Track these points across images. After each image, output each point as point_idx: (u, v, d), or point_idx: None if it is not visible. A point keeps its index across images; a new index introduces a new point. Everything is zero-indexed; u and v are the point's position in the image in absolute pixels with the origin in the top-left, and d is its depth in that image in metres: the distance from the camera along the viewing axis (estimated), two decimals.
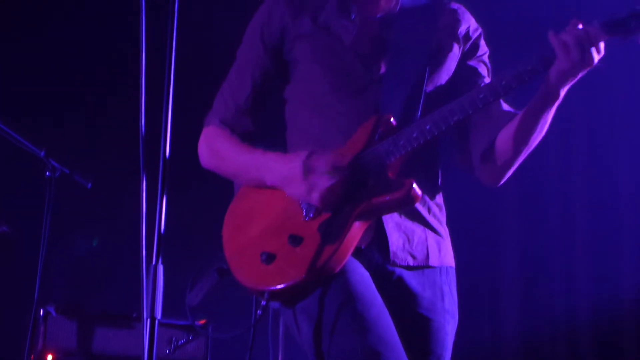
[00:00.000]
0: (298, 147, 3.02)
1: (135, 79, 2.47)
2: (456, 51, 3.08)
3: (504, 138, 2.96)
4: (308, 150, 2.85)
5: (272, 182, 2.92)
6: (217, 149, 3.06)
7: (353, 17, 3.03)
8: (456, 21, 3.13)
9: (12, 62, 6.07)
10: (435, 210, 3.07)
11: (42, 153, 4.85)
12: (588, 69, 2.71)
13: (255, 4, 3.11)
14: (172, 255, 2.59)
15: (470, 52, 3.12)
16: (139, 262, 2.38)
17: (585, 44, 2.66)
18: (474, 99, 2.79)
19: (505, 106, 3.01)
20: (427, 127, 2.82)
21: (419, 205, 2.95)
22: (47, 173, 4.85)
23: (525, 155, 2.98)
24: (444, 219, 3.10)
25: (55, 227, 4.85)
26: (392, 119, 2.88)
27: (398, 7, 3.08)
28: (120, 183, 4.72)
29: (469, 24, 3.15)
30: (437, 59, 3.04)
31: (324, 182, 2.78)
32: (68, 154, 5.09)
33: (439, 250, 3.04)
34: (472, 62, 3.11)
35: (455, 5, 3.17)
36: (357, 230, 2.82)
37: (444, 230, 3.09)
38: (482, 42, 3.16)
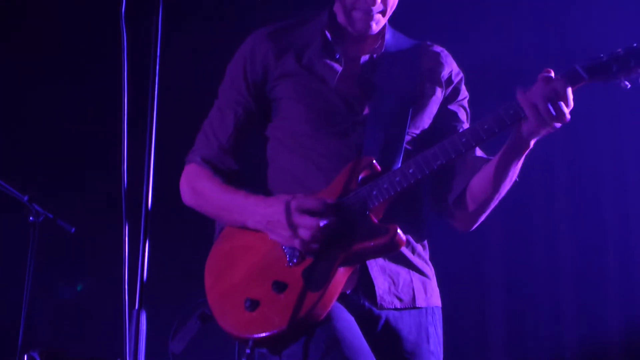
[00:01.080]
0: (279, 187, 3.01)
1: (118, 123, 2.47)
2: (438, 95, 3.09)
3: (476, 184, 2.97)
4: (290, 194, 2.83)
5: (255, 226, 2.89)
6: (198, 188, 3.04)
7: (337, 56, 3.03)
8: (439, 65, 3.14)
9: None
10: (420, 250, 3.06)
11: (26, 198, 4.84)
12: (560, 124, 2.69)
13: (237, 42, 3.12)
14: (155, 301, 2.58)
15: (452, 96, 3.13)
16: (121, 308, 2.37)
17: (555, 102, 2.65)
18: (456, 143, 2.79)
19: (479, 152, 3.01)
20: (411, 170, 2.82)
21: (403, 248, 2.91)
22: (31, 218, 4.84)
23: (497, 201, 2.98)
24: (427, 257, 3.09)
25: (39, 271, 4.83)
26: (374, 162, 2.87)
27: (382, 49, 3.09)
28: (104, 227, 4.71)
29: (452, 68, 3.17)
30: (420, 103, 3.05)
31: (306, 227, 2.75)
32: (51, 199, 5.08)
33: (425, 292, 3.03)
34: (452, 107, 3.12)
35: (438, 49, 3.20)
36: (341, 276, 2.79)
37: (430, 269, 3.08)
38: (463, 87, 3.18)
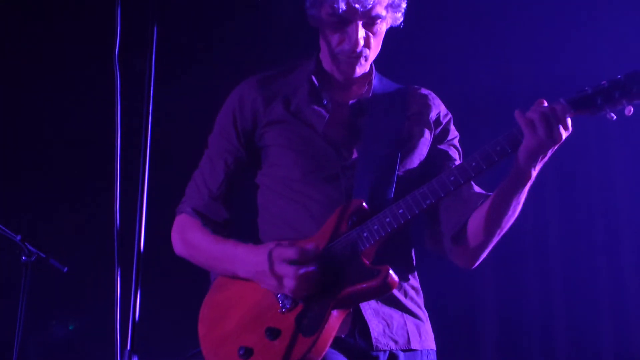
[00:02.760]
0: (270, 233, 3.04)
1: (112, 163, 2.48)
2: (427, 136, 3.12)
3: (476, 221, 2.96)
4: (277, 242, 2.87)
5: (245, 275, 2.92)
6: (189, 238, 3.07)
7: (325, 102, 3.07)
8: (427, 107, 3.18)
9: None
10: (412, 293, 3.07)
11: (19, 237, 4.84)
12: (556, 146, 2.71)
13: (226, 90, 3.14)
14: (146, 345, 2.58)
15: (441, 136, 3.16)
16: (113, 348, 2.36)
17: (552, 120, 2.67)
18: (444, 181, 2.80)
19: (476, 188, 3.02)
20: (400, 211, 2.83)
21: (395, 290, 2.93)
22: (24, 257, 4.83)
23: (499, 237, 2.97)
24: (421, 302, 3.10)
25: (31, 310, 4.81)
26: (364, 204, 2.89)
27: (370, 93, 3.13)
28: (96, 267, 4.71)
29: (439, 109, 3.20)
30: (409, 145, 3.07)
31: (289, 276, 2.77)
32: (44, 239, 5.08)
33: (419, 334, 3.04)
34: (442, 146, 3.14)
35: (425, 91, 3.23)
36: (335, 320, 2.80)
37: (423, 313, 3.09)
38: (452, 127, 3.21)
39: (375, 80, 3.15)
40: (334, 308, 2.79)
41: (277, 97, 3.09)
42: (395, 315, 2.99)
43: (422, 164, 3.08)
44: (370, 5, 2.96)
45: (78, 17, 5.91)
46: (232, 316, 2.91)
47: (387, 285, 2.78)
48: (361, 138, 3.05)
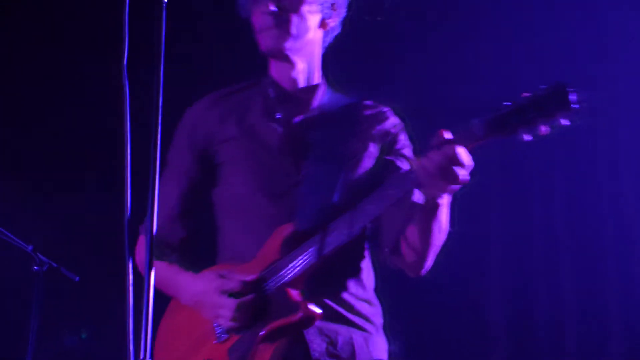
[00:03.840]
0: (222, 254, 3.07)
1: (122, 172, 2.49)
2: (372, 149, 3.09)
3: (407, 239, 2.93)
4: (215, 271, 2.90)
5: (187, 303, 2.96)
6: (139, 258, 3.04)
7: (278, 117, 3.06)
8: (375, 120, 3.15)
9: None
10: (361, 307, 3.05)
11: (30, 248, 4.85)
12: (458, 186, 2.62)
13: None
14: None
15: (388, 147, 3.11)
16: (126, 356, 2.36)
17: (445, 168, 2.56)
18: (364, 211, 2.78)
19: (416, 196, 2.92)
20: (328, 239, 2.80)
21: (338, 307, 2.95)
22: (35, 267, 4.84)
23: (435, 249, 2.92)
24: (373, 312, 3.09)
25: (44, 320, 4.82)
26: (293, 230, 2.88)
27: (316, 108, 3.12)
28: (108, 276, 4.72)
29: (389, 121, 3.16)
30: (353, 161, 3.04)
31: (224, 306, 2.81)
32: (56, 248, 5.08)
33: (367, 346, 3.02)
34: (390, 157, 3.09)
35: (375, 104, 3.20)
36: (263, 352, 2.81)
37: (373, 325, 3.07)
38: (402, 137, 3.16)
39: (325, 95, 3.14)
40: (262, 341, 2.80)
41: (232, 114, 3.10)
42: (341, 330, 2.97)
43: (368, 177, 3.04)
44: None
45: (85, 27, 5.93)
46: (180, 342, 2.97)
47: (307, 320, 2.78)
48: (308, 155, 3.02)
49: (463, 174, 2.58)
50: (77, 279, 5.00)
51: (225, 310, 2.80)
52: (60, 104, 6.23)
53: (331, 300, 2.95)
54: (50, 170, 6.23)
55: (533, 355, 5.87)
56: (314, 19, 3.07)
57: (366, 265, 3.11)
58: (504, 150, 5.73)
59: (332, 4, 3.09)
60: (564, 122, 2.45)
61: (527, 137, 2.50)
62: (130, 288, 2.39)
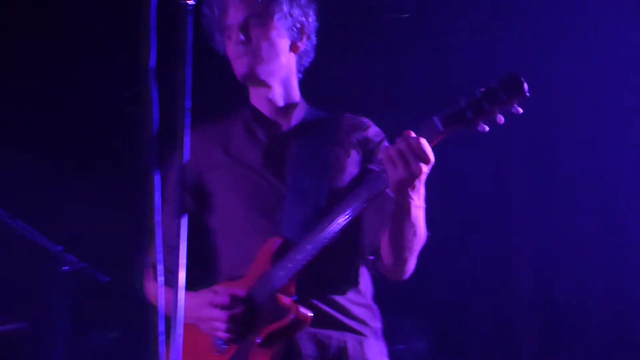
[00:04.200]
0: (218, 274, 3.21)
1: (149, 180, 2.50)
2: (354, 156, 3.18)
3: (385, 243, 3.00)
4: (211, 287, 3.06)
5: (187, 320, 2.99)
6: (147, 290, 3.32)
7: (260, 136, 3.20)
8: (355, 129, 3.24)
9: (29, 165, 6.17)
10: (358, 311, 3.13)
11: (60, 248, 4.87)
12: (421, 177, 2.72)
13: None
14: None
15: (371, 155, 3.20)
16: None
17: (409, 156, 2.66)
18: (339, 211, 2.89)
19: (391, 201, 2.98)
20: (309, 246, 2.91)
21: (333, 311, 3.05)
22: (65, 267, 4.86)
23: (414, 254, 3.00)
24: (371, 316, 3.18)
25: (73, 321, 4.84)
26: (281, 241, 3.00)
27: (298, 123, 3.25)
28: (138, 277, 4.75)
29: (369, 129, 3.25)
30: (336, 168, 3.14)
31: (217, 319, 2.96)
32: (85, 249, 5.10)
33: (363, 349, 3.10)
34: (372, 165, 3.16)
35: (355, 117, 3.29)
36: (262, 357, 2.93)
37: (370, 328, 3.15)
38: (385, 145, 3.20)
39: (304, 111, 3.26)
40: (260, 347, 2.92)
41: (216, 143, 3.25)
42: (334, 334, 3.06)
43: (353, 184, 3.10)
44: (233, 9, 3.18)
45: (110, 29, 5.96)
46: (185, 358, 3.04)
47: (299, 322, 2.92)
48: (291, 168, 3.14)
49: (425, 168, 2.71)
50: (106, 279, 5.02)
51: (218, 323, 2.95)
52: (85, 105, 6.26)
53: (326, 305, 3.06)
54: (80, 172, 6.26)
55: (561, 349, 5.86)
56: (283, 43, 3.22)
57: (363, 271, 3.19)
58: (523, 141, 5.74)
59: (300, 28, 3.23)
60: (520, 110, 2.62)
61: (485, 128, 2.65)
62: (161, 290, 2.41)
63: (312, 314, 2.92)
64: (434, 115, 2.69)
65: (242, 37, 3.14)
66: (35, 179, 6.25)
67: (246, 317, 2.94)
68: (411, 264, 3.03)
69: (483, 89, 2.61)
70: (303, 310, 2.91)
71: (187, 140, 2.43)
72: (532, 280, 6.02)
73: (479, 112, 2.61)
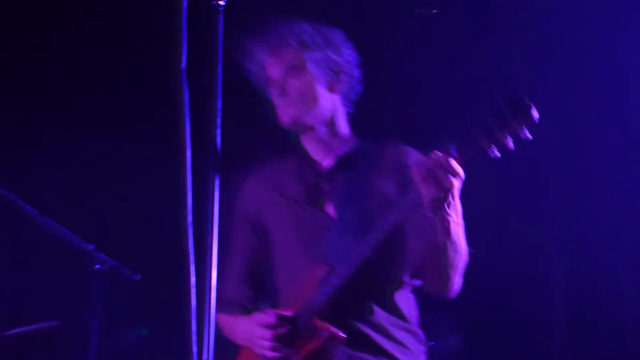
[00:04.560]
0: (280, 307, 3.35)
1: (180, 174, 2.50)
2: (392, 184, 3.28)
3: (429, 262, 3.14)
4: (261, 312, 3.27)
5: (242, 342, 3.33)
6: (217, 320, 3.33)
7: (307, 174, 3.38)
8: (395, 157, 3.34)
9: (57, 163, 6.21)
10: (398, 334, 3.23)
11: (92, 247, 4.89)
12: (454, 191, 2.82)
13: None
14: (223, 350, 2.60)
15: (409, 181, 3.17)
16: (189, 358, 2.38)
17: (438, 172, 2.78)
18: (370, 239, 3.06)
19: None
20: (342, 270, 3.09)
21: (372, 332, 3.17)
22: (97, 266, 4.89)
23: (457, 271, 3.10)
24: (414, 341, 3.27)
25: (105, 319, 4.87)
26: (324, 270, 3.16)
27: (343, 156, 3.40)
28: (170, 275, 4.77)
29: (408, 155, 3.34)
30: (376, 199, 3.24)
31: (264, 338, 3.15)
32: (116, 247, 5.13)
33: None
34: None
35: (400, 146, 3.40)
36: None
37: (412, 354, 3.25)
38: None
39: (349, 144, 3.40)
40: None
41: (272, 183, 3.45)
42: (370, 358, 3.18)
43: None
44: (279, 52, 3.37)
45: (142, 30, 5.99)
46: None
47: (332, 340, 3.09)
48: (336, 202, 3.29)
49: (457, 181, 2.82)
50: (138, 277, 5.04)
51: (265, 342, 3.14)
52: (118, 103, 6.30)
53: (366, 326, 3.19)
54: (112, 170, 6.31)
55: (594, 348, 5.84)
56: (321, 88, 3.37)
57: (405, 295, 3.29)
58: (556, 135, 5.72)
59: (336, 70, 3.38)
60: (529, 136, 2.73)
61: (498, 155, 2.76)
62: (193, 290, 2.42)
63: (344, 335, 3.07)
64: (451, 141, 2.80)
65: (280, 90, 3.34)
66: (66, 177, 6.30)
67: (290, 337, 3.12)
68: (456, 282, 3.14)
69: (494, 117, 2.69)
70: (335, 329, 3.07)
71: (218, 141, 2.43)
72: (565, 277, 6.01)
73: (491, 140, 2.72)
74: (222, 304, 3.29)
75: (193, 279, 2.43)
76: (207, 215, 2.43)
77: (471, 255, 3.07)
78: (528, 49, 5.87)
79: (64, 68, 6.31)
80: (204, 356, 2.37)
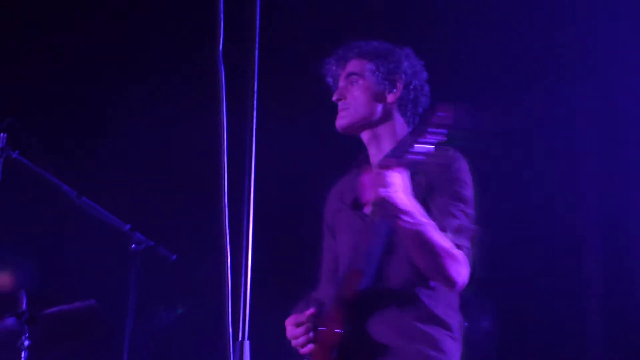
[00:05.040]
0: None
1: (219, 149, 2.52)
2: (420, 189, 3.32)
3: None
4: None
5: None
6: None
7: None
8: (435, 160, 3.31)
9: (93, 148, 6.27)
10: (420, 333, 3.29)
11: (128, 227, 4.93)
12: (393, 205, 3.02)
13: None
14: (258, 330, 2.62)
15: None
16: (225, 337, 2.40)
17: (372, 185, 3.03)
18: None
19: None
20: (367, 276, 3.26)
21: (392, 336, 3.26)
22: (133, 246, 4.92)
23: (438, 265, 3.16)
24: (442, 338, 3.31)
25: (141, 299, 4.91)
26: (356, 274, 3.30)
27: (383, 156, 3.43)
28: (205, 255, 4.80)
29: (435, 160, 3.33)
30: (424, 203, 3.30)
31: (294, 334, 3.31)
32: (152, 227, 5.17)
33: None
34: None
35: (448, 151, 3.42)
36: None
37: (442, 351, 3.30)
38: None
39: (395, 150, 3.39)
40: None
41: (341, 191, 3.66)
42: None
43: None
44: (345, 64, 3.61)
45: (178, 14, 6.02)
46: None
47: (330, 337, 3.26)
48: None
49: (386, 192, 3.01)
50: (174, 257, 5.07)
51: (294, 339, 3.31)
52: (156, 93, 6.36)
53: (386, 329, 3.28)
54: (150, 151, 6.35)
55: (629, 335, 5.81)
56: (375, 96, 3.56)
57: (427, 293, 3.34)
58: (594, 135, 5.70)
59: (391, 79, 3.57)
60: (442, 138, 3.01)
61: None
62: (229, 271, 2.44)
63: (340, 331, 3.23)
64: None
65: (335, 97, 3.57)
66: (105, 159, 6.35)
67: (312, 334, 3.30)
68: (450, 275, 3.18)
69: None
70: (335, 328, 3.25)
71: (254, 123, 2.45)
72: (601, 263, 5.96)
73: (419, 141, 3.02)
74: (309, 302, 3.57)
75: (229, 260, 2.45)
76: (243, 197, 2.44)
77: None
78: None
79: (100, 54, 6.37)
80: (239, 337, 2.38)
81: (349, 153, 3.65)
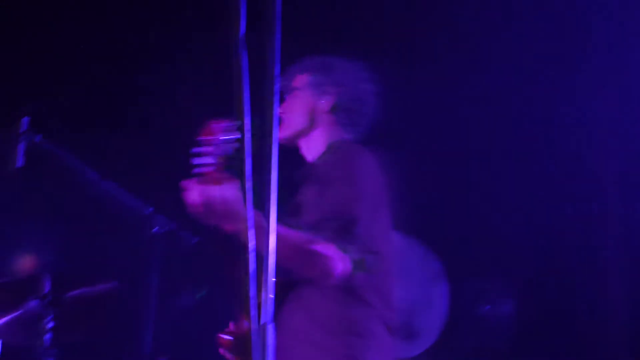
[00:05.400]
0: None
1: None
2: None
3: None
4: None
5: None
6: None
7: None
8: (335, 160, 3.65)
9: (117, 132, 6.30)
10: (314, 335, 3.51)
11: (150, 210, 4.95)
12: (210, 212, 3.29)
13: None
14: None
15: None
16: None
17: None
18: None
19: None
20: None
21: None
22: (155, 229, 4.94)
23: (297, 266, 3.37)
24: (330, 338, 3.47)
25: (163, 281, 4.93)
26: None
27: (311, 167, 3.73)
28: (226, 237, 4.81)
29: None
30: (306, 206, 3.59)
31: None
32: (174, 210, 5.19)
33: None
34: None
35: (348, 148, 3.71)
36: None
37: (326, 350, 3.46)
38: None
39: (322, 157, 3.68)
40: None
41: None
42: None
43: None
44: (292, 80, 3.84)
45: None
46: None
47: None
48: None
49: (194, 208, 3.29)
50: (195, 240, 5.09)
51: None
52: (175, 78, 6.37)
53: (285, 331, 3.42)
54: (171, 135, 6.37)
55: None
56: (308, 106, 3.79)
57: (317, 293, 3.50)
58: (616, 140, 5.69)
59: (324, 91, 3.78)
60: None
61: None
62: (252, 254, 2.45)
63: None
64: None
65: (281, 110, 3.78)
66: (128, 143, 6.38)
67: None
68: (306, 271, 3.40)
69: None
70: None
71: (275, 109, 2.45)
72: (623, 247, 5.96)
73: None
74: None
75: (252, 243, 2.45)
76: (265, 180, 2.45)
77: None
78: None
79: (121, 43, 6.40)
80: (262, 320, 2.39)
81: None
